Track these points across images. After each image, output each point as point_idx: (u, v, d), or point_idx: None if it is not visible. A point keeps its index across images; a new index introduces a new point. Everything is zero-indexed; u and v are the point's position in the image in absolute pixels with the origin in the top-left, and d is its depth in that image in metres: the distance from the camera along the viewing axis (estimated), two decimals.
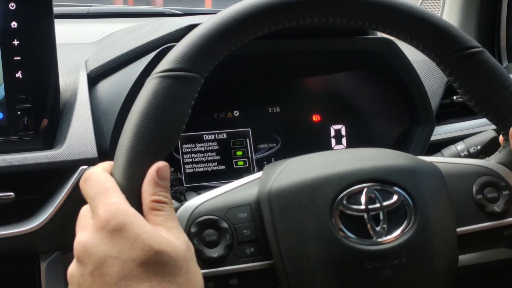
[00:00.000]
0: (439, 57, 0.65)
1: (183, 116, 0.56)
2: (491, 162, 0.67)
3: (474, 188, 0.64)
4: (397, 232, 0.58)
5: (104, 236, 0.49)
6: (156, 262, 0.48)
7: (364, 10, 0.62)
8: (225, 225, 0.58)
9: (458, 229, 0.62)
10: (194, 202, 0.59)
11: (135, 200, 0.52)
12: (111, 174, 0.54)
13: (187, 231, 0.56)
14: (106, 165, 0.56)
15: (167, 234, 0.51)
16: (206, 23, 0.58)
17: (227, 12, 0.58)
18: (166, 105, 0.54)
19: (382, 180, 0.59)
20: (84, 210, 0.54)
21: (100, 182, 0.53)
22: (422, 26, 0.63)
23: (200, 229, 0.57)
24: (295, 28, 0.61)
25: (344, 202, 0.58)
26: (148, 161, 0.53)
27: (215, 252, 0.57)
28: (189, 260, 0.51)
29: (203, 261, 0.56)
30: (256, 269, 0.58)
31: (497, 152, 0.69)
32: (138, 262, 0.48)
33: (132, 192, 0.52)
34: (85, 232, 0.51)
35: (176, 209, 0.57)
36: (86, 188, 0.54)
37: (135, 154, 0.53)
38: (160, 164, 0.53)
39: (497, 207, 0.64)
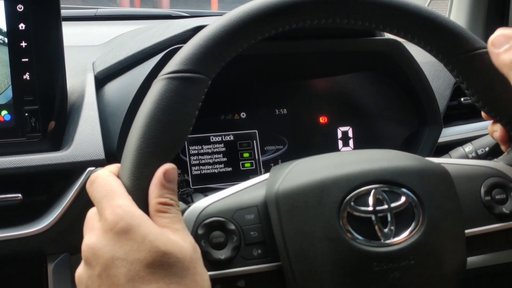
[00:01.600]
0: (446, 58, 0.64)
1: (190, 117, 0.56)
2: (500, 163, 0.67)
3: (482, 190, 0.64)
4: (405, 233, 0.58)
5: (111, 238, 0.49)
6: (163, 264, 0.48)
7: (371, 11, 0.61)
8: (232, 227, 0.57)
9: (466, 231, 0.62)
10: (201, 204, 0.58)
11: (142, 202, 0.52)
12: (118, 176, 0.54)
13: (194, 233, 0.56)
14: (113, 167, 0.56)
15: (174, 236, 0.50)
16: (213, 25, 0.58)
17: (234, 14, 0.58)
18: (173, 107, 0.54)
19: (389, 182, 0.59)
20: (91, 213, 0.54)
21: (106, 184, 0.53)
22: (430, 27, 0.62)
23: (207, 231, 0.57)
24: (301, 29, 0.61)
25: (352, 203, 0.57)
26: (155, 163, 0.53)
27: (222, 254, 0.57)
28: (196, 262, 0.50)
29: (211, 263, 0.56)
30: (264, 271, 0.58)
31: (506, 153, 0.69)
32: (145, 263, 0.48)
33: (139, 194, 0.52)
34: (93, 234, 0.51)
35: (183, 211, 0.57)
36: (93, 190, 0.54)
37: (142, 155, 0.53)
38: (168, 166, 0.53)
39: (506, 209, 0.64)
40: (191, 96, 0.55)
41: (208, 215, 0.58)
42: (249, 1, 0.60)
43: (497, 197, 0.64)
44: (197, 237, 0.56)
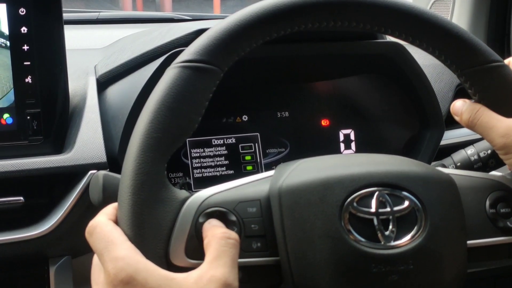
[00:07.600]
0: (460, 69, 0.64)
1: (200, 107, 0.56)
2: (507, 177, 0.66)
3: (488, 202, 0.63)
4: (406, 238, 0.57)
5: None
6: None
7: (390, 18, 0.61)
8: (233, 218, 0.57)
9: (469, 242, 0.61)
10: (204, 193, 0.58)
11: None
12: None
13: (195, 221, 0.56)
14: (110, 210, 0.56)
15: (183, 277, 0.50)
16: (229, 18, 0.58)
17: (251, 9, 0.58)
18: (184, 95, 0.55)
19: (394, 185, 0.59)
20: (95, 264, 0.54)
21: (106, 235, 0.53)
22: (447, 38, 0.62)
23: (208, 220, 0.57)
24: (304, 32, 0.61)
25: (355, 204, 0.57)
26: (161, 149, 0.54)
27: None
28: None
29: None
30: (262, 264, 0.58)
31: None
32: None
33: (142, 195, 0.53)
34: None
35: (186, 199, 0.57)
36: (93, 242, 0.54)
37: (149, 140, 0.54)
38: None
39: (510, 223, 0.63)
40: (202, 86, 0.56)
41: (210, 204, 0.57)
42: (250, 3, 0.60)
43: (502, 210, 0.63)
44: (197, 226, 0.56)
